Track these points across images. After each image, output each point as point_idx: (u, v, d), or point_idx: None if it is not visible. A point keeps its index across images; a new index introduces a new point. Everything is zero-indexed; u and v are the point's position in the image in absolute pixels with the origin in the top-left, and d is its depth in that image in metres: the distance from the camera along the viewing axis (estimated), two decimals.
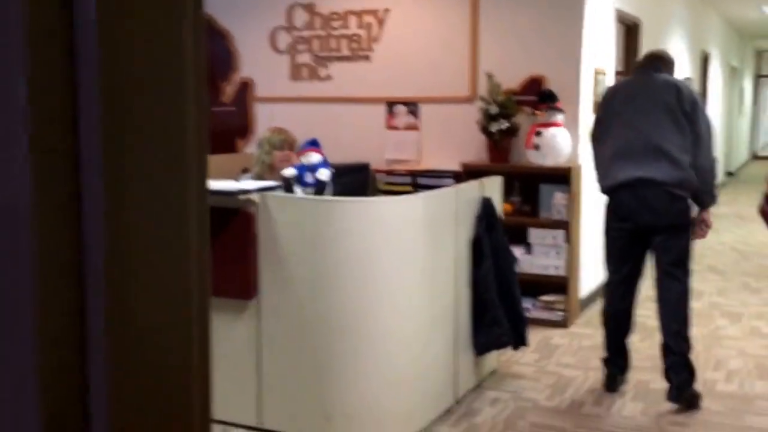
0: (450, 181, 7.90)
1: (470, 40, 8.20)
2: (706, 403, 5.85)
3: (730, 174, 22.20)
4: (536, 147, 7.62)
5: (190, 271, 1.17)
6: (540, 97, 7.75)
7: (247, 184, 5.46)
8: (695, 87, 6.42)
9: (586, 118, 8.01)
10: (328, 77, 8.95)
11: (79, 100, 1.01)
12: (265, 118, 9.07)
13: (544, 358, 6.86)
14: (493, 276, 5.87)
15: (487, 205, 5.93)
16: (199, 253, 1.19)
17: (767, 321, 8.13)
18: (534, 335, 6.65)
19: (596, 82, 8.22)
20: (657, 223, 5.87)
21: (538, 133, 7.62)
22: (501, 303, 5.91)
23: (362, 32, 8.72)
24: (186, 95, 1.14)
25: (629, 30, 10.07)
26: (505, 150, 7.96)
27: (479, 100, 8.04)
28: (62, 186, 1.00)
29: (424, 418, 5.35)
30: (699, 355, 6.67)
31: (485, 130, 7.90)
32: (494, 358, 6.37)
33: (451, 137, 8.36)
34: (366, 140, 8.69)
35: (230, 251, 5.07)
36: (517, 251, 6.58)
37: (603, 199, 8.72)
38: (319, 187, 5.59)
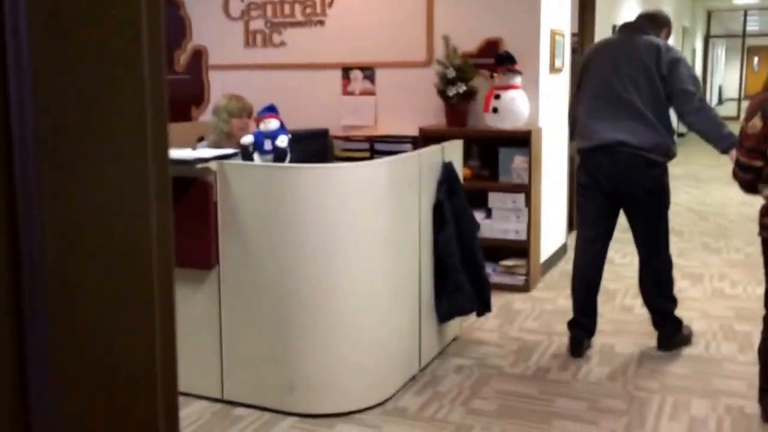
0: (408, 146, 7.84)
1: (426, 3, 8.11)
2: (672, 367, 5.84)
3: (681, 135, 22.27)
4: (495, 110, 7.55)
5: (151, 246, 1.11)
6: (497, 59, 7.68)
7: (205, 152, 5.37)
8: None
9: (545, 80, 7.96)
10: (282, 43, 8.84)
11: (7, 65, 0.92)
12: (220, 86, 8.96)
13: (506, 323, 6.81)
14: (456, 242, 5.81)
15: (448, 170, 5.85)
16: (162, 225, 1.12)
17: (729, 281, 8.12)
18: (496, 300, 6.57)
19: (554, 44, 8.16)
20: (632, 188, 5.90)
21: (497, 96, 7.55)
22: (464, 269, 5.85)
23: None
24: (141, 62, 1.06)
25: None
26: (463, 114, 7.88)
27: (436, 64, 7.95)
28: None
29: (389, 387, 5.29)
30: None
31: (442, 94, 7.82)
32: (457, 325, 6.31)
33: (408, 102, 8.28)
34: (322, 106, 8.60)
35: (189, 221, 4.97)
36: (478, 216, 6.52)
37: (563, 162, 8.72)
38: (279, 154, 5.50)
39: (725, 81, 43.55)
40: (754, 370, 5.36)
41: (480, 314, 6.16)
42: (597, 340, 6.31)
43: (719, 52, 40.97)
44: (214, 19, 9.07)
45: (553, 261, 8.58)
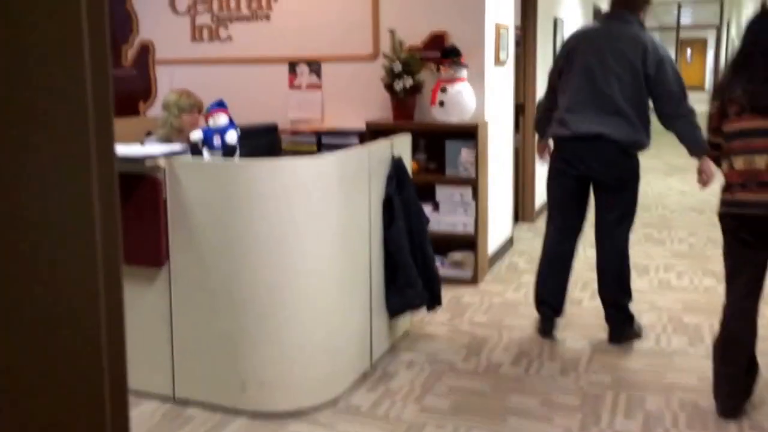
0: (355, 140, 7.84)
1: None
2: (624, 361, 5.87)
3: None
4: (441, 104, 7.55)
5: (95, 242, 1.09)
6: (443, 52, 7.69)
7: (153, 148, 5.33)
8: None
9: (491, 73, 7.98)
10: (229, 38, 8.80)
11: None
12: (167, 81, 8.91)
13: (456, 317, 6.82)
14: (406, 236, 5.81)
15: (397, 164, 5.85)
16: (107, 222, 1.11)
17: (675, 273, 8.18)
18: (444, 294, 6.56)
19: (498, 37, 8.18)
20: (605, 176, 6.02)
21: (443, 90, 7.55)
22: (414, 263, 5.86)
23: None
24: (82, 56, 1.05)
25: None
26: (410, 107, 7.88)
27: (382, 58, 7.95)
28: None
29: (340, 384, 5.28)
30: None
31: (389, 87, 7.81)
32: (406, 319, 6.32)
33: (355, 96, 8.28)
34: (269, 101, 8.57)
35: (138, 218, 4.94)
36: (425, 209, 6.51)
37: (509, 155, 8.76)
38: (228, 150, 5.47)
39: None
40: (706, 363, 5.41)
41: (430, 308, 6.16)
42: None
43: None
44: (161, 14, 9.01)
45: (499, 254, 8.62)
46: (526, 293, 7.40)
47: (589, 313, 6.83)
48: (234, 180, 4.84)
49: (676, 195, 12.70)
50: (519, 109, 9.87)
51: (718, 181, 5.21)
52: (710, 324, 6.48)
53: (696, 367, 5.71)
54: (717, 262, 6.82)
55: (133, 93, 9.15)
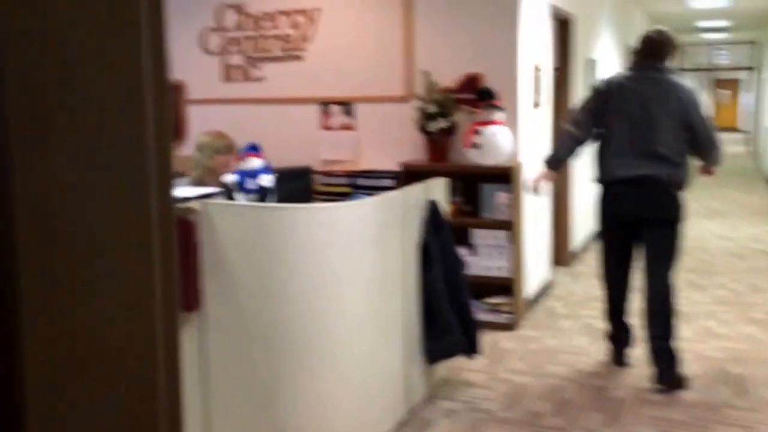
0: (389, 181, 7.75)
1: (405, 37, 8.02)
2: (669, 413, 5.71)
3: None
4: (476, 146, 7.45)
5: (155, 287, 1.05)
6: (478, 94, 7.60)
7: (187, 190, 5.23)
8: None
9: (526, 115, 7.88)
10: (261, 78, 8.73)
11: None
12: (198, 121, 8.84)
13: (494, 363, 6.68)
14: (443, 281, 5.69)
15: (433, 208, 5.74)
16: (165, 265, 1.07)
17: (718, 320, 8.01)
18: (481, 339, 6.42)
19: (535, 79, 8.07)
20: (653, 216, 6.24)
21: (478, 132, 7.45)
22: (451, 309, 5.73)
23: (294, 32, 8.52)
24: (144, 104, 1.01)
25: (562, 25, 9.94)
26: (444, 149, 7.78)
27: (416, 99, 7.85)
28: None
29: (377, 431, 5.14)
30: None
31: (423, 129, 7.72)
32: (444, 366, 6.18)
33: (388, 137, 8.18)
34: (301, 141, 8.49)
35: None
36: (460, 253, 6.39)
37: (545, 197, 8.64)
38: (262, 194, 5.37)
39: None
40: (752, 416, 5.28)
41: (469, 356, 6.04)
42: (589, 382, 6.19)
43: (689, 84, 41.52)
44: (192, 54, 8.96)
45: (537, 298, 8.48)
46: (565, 340, 7.25)
47: (635, 360, 6.66)
48: (270, 224, 4.73)
49: (716, 239, 12.53)
50: None
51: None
52: (754, 375, 6.33)
53: (744, 420, 5.55)
54: (760, 310, 6.71)
55: None
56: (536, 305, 8.40)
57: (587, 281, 9.45)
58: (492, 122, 7.45)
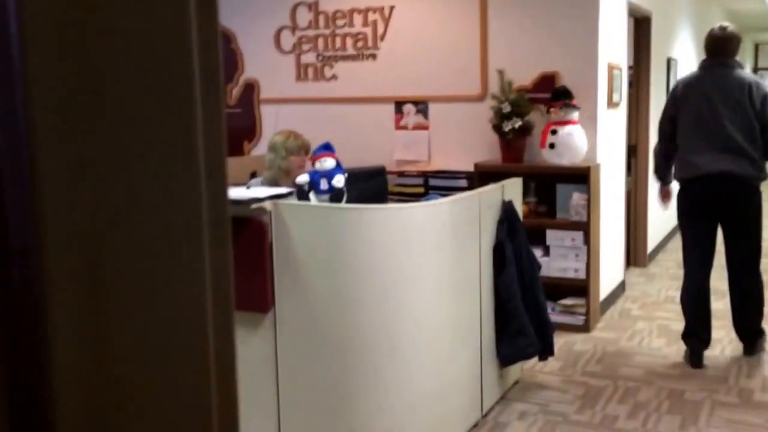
0: (463, 181, 7.70)
1: (480, 36, 7.97)
2: (746, 416, 5.60)
3: None
4: (552, 146, 7.38)
5: (206, 295, 1.01)
6: (554, 94, 7.52)
7: (259, 191, 5.21)
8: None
9: (603, 115, 7.78)
10: (334, 77, 8.71)
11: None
12: (271, 120, 8.85)
13: (568, 366, 6.60)
14: (517, 283, 5.64)
15: (508, 208, 5.69)
16: (218, 267, 1.04)
17: None
18: (555, 341, 6.32)
19: (611, 78, 7.98)
20: (734, 211, 6.46)
21: (554, 132, 7.37)
22: (525, 310, 5.68)
23: (368, 30, 8.49)
24: (193, 95, 0.96)
25: (639, 23, 9.82)
26: (519, 149, 7.71)
27: (491, 98, 7.79)
28: None
29: None
30: (731, 359, 6.54)
31: (498, 129, 7.66)
32: (517, 368, 6.12)
33: (463, 137, 8.13)
34: (374, 141, 8.46)
35: (243, 262, 4.81)
36: (535, 254, 6.33)
37: (621, 198, 8.53)
38: (335, 194, 5.34)
39: None
40: None
41: (542, 358, 5.99)
42: (665, 385, 6.10)
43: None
44: (266, 53, 8.96)
45: (611, 299, 8.38)
46: (640, 341, 7.17)
47: (711, 362, 6.59)
48: (342, 225, 4.70)
49: None
50: (631, 151, 9.62)
51: None
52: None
53: None
54: None
55: (237, 132, 9.09)
56: (610, 307, 8.30)
57: (661, 282, 9.34)
58: (568, 122, 7.37)
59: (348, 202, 5.39)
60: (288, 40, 8.88)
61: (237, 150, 9.05)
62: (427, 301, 4.85)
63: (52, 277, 0.81)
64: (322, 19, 8.71)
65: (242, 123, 9.14)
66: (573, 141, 7.33)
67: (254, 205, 4.76)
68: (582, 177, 7.39)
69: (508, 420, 5.53)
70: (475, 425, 5.40)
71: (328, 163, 5.44)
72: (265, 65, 9.02)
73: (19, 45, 0.77)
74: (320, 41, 8.74)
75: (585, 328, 7.49)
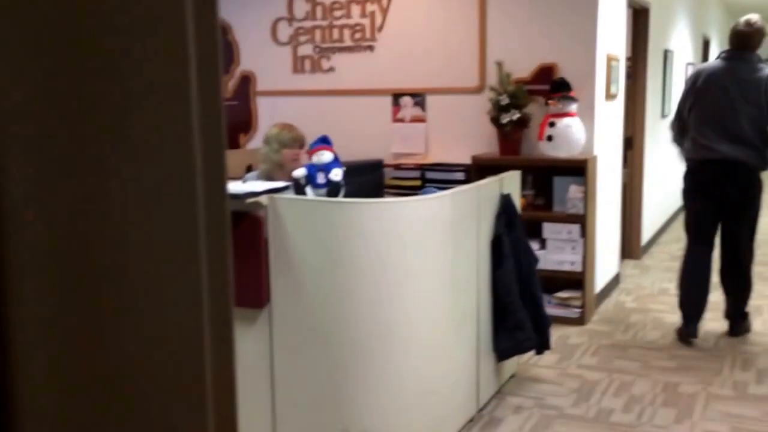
0: (460, 174, 7.68)
1: (478, 28, 7.95)
2: (742, 409, 5.61)
3: None
4: (549, 138, 7.37)
5: (200, 281, 1.03)
6: (552, 86, 7.51)
7: (255, 185, 5.19)
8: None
9: (601, 107, 7.77)
10: (331, 69, 8.70)
11: None
12: (268, 112, 8.83)
13: (564, 359, 6.61)
14: (515, 276, 5.63)
15: (506, 202, 5.68)
16: (216, 260, 1.06)
17: None
18: (551, 333, 6.37)
19: (609, 69, 7.96)
20: (737, 194, 6.81)
21: (552, 124, 7.37)
22: (522, 304, 5.67)
23: (365, 21, 8.47)
24: (187, 90, 0.95)
25: (637, 14, 9.80)
26: (517, 142, 7.70)
27: (489, 90, 7.78)
28: None
29: (447, 430, 5.10)
30: (725, 352, 6.55)
31: (495, 121, 7.65)
32: (513, 362, 6.12)
33: (460, 129, 8.11)
34: (371, 133, 8.45)
35: (238, 257, 4.79)
36: (532, 246, 6.33)
37: (617, 190, 8.53)
38: (333, 188, 5.33)
39: None
40: None
41: (539, 352, 5.98)
42: (659, 378, 6.11)
43: None
44: (263, 44, 8.94)
45: (606, 292, 8.38)
46: (634, 334, 7.18)
47: (705, 355, 6.62)
48: (340, 219, 4.69)
49: None
50: (627, 143, 9.61)
51: None
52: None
53: None
54: None
55: (232, 125, 9.08)
56: (606, 299, 8.30)
57: (656, 274, 9.36)
58: (566, 114, 7.36)
59: (345, 195, 5.38)
60: (284, 31, 8.86)
61: (233, 143, 9.04)
62: (424, 295, 4.84)
63: (21, 262, 0.81)
64: (319, 10, 8.68)
65: (238, 116, 9.13)
66: (571, 133, 7.33)
67: (249, 200, 4.75)
68: (579, 169, 7.39)
69: (503, 415, 5.53)
70: (471, 420, 5.40)
71: (326, 156, 5.42)
72: (261, 57, 9.00)
73: None
74: (317, 33, 8.72)
75: (580, 320, 7.50)
